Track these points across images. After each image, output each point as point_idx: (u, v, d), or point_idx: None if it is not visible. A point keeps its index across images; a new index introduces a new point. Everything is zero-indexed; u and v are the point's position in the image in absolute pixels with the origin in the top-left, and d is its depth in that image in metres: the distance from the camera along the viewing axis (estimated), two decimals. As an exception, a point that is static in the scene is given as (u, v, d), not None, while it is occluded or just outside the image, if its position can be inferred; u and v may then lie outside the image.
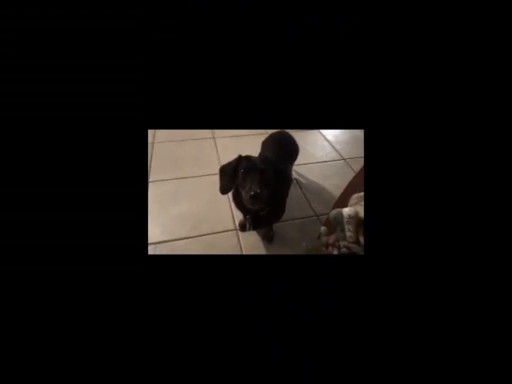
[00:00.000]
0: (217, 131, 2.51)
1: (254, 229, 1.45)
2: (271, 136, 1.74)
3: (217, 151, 2.24)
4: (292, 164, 1.70)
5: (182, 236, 1.59)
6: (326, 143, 2.51)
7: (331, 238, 0.79)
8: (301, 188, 1.96)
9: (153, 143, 2.31)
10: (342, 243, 0.76)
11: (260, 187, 1.08)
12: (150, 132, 2.45)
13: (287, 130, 1.80)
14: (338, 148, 2.46)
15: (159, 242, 1.54)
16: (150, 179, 1.93)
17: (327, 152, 2.41)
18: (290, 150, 1.69)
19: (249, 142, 2.35)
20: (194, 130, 2.42)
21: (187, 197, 1.82)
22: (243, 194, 1.14)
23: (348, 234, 0.76)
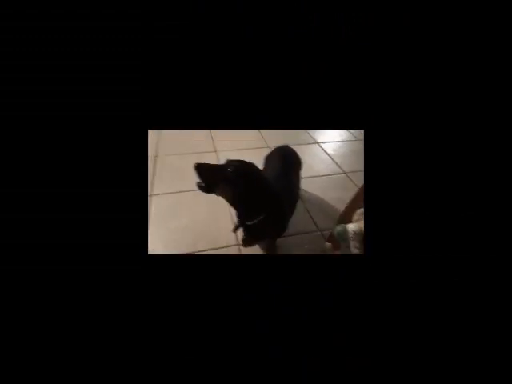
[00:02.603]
0: (219, 145, 2.51)
1: (250, 241, 1.42)
2: (274, 151, 1.71)
3: None
4: (297, 178, 1.64)
5: (184, 251, 1.58)
6: (325, 156, 2.49)
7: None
8: (302, 202, 1.93)
9: (156, 157, 2.31)
10: None
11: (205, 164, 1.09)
12: (153, 145, 2.46)
13: (290, 145, 1.78)
14: (338, 161, 2.44)
15: (161, 257, 1.52)
16: (152, 192, 1.93)
17: (327, 165, 2.39)
18: (294, 164, 1.65)
19: (251, 156, 2.30)
20: (196, 143, 2.48)
21: (188, 210, 1.81)
22: None
23: (354, 251, 0.75)
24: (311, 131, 2.87)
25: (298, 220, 1.74)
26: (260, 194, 1.17)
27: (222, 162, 2.14)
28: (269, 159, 1.67)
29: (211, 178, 1.12)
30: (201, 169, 1.08)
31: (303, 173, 1.72)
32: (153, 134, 2.60)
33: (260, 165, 1.63)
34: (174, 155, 2.34)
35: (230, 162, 1.17)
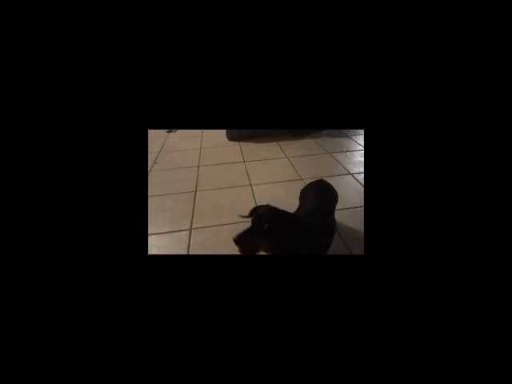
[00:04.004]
0: (253, 179, 2.59)
1: None
2: (309, 185, 1.72)
3: (254, 198, 2.28)
4: (333, 211, 1.63)
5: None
6: (360, 187, 2.44)
7: None
8: (339, 234, 1.86)
9: (195, 192, 2.41)
10: None
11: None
12: (193, 180, 2.59)
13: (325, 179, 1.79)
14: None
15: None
16: (192, 226, 1.99)
17: (363, 196, 2.28)
18: (330, 198, 1.63)
19: (285, 189, 2.39)
20: (231, 177, 2.61)
21: (227, 243, 1.82)
22: None
23: None
24: (344, 162, 2.86)
25: (335, 254, 1.70)
26: (292, 235, 1.17)
27: (256, 195, 2.22)
28: (304, 193, 1.68)
29: (250, 244, 1.14)
30: (240, 242, 1.11)
31: (339, 205, 1.72)
32: (192, 171, 2.74)
33: (295, 197, 1.67)
34: (212, 190, 2.44)
35: (257, 209, 1.22)
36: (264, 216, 1.17)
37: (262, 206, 1.26)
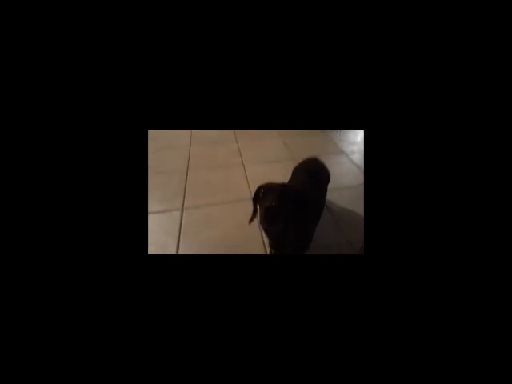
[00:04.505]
0: (245, 158, 2.57)
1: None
2: (302, 163, 1.70)
3: (246, 178, 2.28)
4: (325, 191, 1.64)
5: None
6: (353, 167, 2.45)
7: None
8: (331, 214, 1.90)
9: (187, 170, 2.38)
10: None
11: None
12: (185, 158, 2.55)
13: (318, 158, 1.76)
14: (366, 172, 2.34)
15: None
16: (183, 205, 1.98)
17: (356, 176, 2.35)
18: (322, 177, 1.64)
19: (278, 169, 2.39)
20: (224, 157, 2.58)
21: (218, 222, 1.84)
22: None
23: None
24: (338, 142, 2.85)
25: (326, 232, 1.73)
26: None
27: (248, 174, 2.21)
28: (296, 171, 1.66)
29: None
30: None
31: (331, 184, 1.72)
32: (183, 150, 2.70)
33: (288, 177, 1.65)
34: (203, 169, 2.42)
35: (263, 187, 1.16)
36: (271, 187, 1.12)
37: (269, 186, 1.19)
